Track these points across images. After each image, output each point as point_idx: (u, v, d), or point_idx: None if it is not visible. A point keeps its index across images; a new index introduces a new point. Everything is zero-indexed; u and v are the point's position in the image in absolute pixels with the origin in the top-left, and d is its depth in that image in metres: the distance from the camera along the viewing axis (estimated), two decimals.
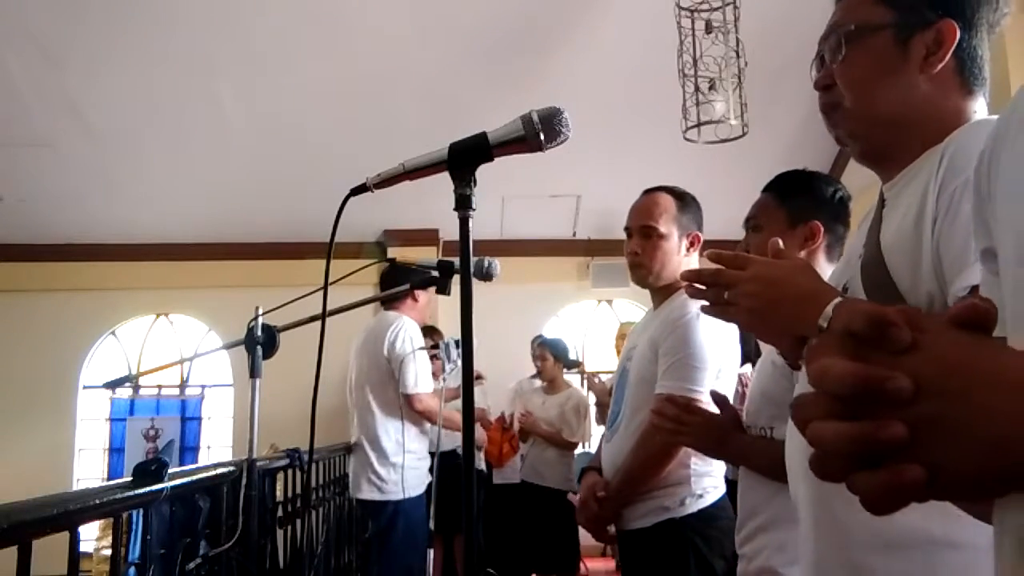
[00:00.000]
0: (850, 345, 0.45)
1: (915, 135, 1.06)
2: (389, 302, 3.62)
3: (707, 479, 2.02)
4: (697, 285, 1.16)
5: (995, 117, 0.98)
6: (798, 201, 1.79)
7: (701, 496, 2.00)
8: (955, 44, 1.04)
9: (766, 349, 1.83)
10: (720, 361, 2.03)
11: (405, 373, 3.44)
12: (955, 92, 1.07)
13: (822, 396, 0.45)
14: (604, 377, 5.47)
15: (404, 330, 3.49)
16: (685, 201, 2.17)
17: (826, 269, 1.69)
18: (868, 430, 0.43)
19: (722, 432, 1.78)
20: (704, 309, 1.16)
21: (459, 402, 3.48)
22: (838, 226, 1.79)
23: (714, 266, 1.15)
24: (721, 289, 1.10)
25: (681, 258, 2.13)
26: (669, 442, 1.91)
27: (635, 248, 2.13)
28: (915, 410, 0.43)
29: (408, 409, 3.47)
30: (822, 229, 1.75)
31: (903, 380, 0.43)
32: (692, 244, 2.15)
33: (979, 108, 1.08)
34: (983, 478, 0.43)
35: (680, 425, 1.79)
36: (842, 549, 1.07)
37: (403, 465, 3.41)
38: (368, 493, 3.46)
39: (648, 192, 2.20)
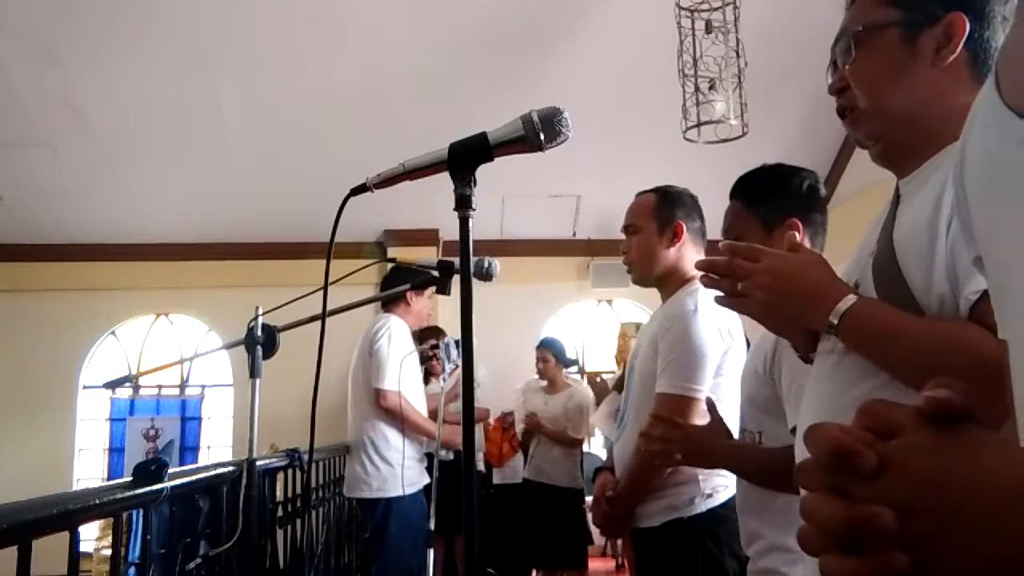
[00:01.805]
0: (825, 473, 0.44)
1: (929, 130, 1.06)
2: (386, 304, 3.63)
3: (717, 478, 2.00)
4: (712, 275, 1.16)
5: None
6: (766, 203, 1.73)
7: (710, 496, 2.00)
8: (965, 36, 1.04)
9: (748, 355, 1.83)
10: (719, 357, 2.02)
11: (376, 368, 3.45)
12: (968, 86, 1.06)
13: (822, 471, 0.45)
14: (605, 377, 5.49)
15: (388, 329, 3.50)
16: (666, 196, 2.19)
17: None
18: (872, 565, 0.42)
19: (703, 443, 1.76)
20: (718, 300, 1.16)
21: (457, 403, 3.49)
22: (814, 215, 1.73)
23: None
24: (735, 280, 1.11)
25: (664, 249, 2.14)
26: (661, 463, 1.92)
27: (623, 248, 2.20)
28: (905, 535, 0.42)
29: (375, 405, 3.46)
30: (800, 224, 1.69)
31: (886, 515, 0.42)
32: (676, 235, 2.14)
33: None
34: None
35: (666, 443, 1.78)
36: None
37: (393, 462, 3.41)
38: (361, 492, 3.47)
39: (637, 194, 2.25)
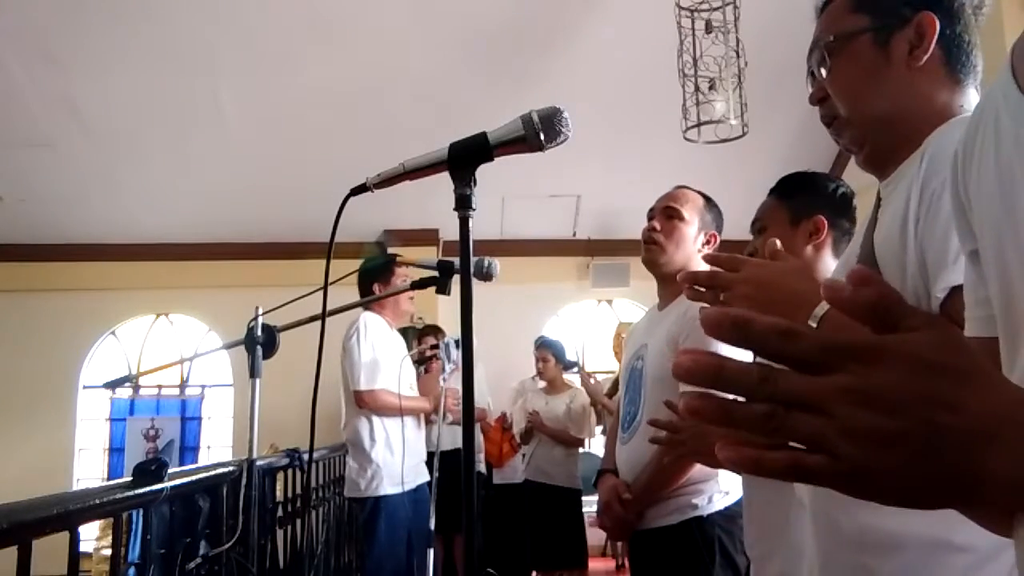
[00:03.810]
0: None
1: (911, 131, 1.07)
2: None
3: (733, 476, 2.00)
4: (696, 288, 1.17)
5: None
6: (799, 199, 1.79)
7: (727, 493, 2.01)
8: (937, 34, 1.05)
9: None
10: (745, 356, 2.01)
11: (350, 369, 3.41)
12: (944, 84, 1.07)
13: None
14: (599, 377, 5.48)
15: (356, 327, 3.45)
16: (711, 202, 2.22)
17: (833, 264, 1.68)
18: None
19: (708, 437, 1.76)
20: (702, 311, 1.16)
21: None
22: (843, 221, 1.78)
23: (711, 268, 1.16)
24: (717, 291, 1.11)
25: (695, 251, 2.14)
26: (677, 460, 1.91)
27: (654, 225, 2.14)
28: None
29: (355, 406, 3.43)
30: (826, 224, 1.74)
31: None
32: (708, 242, 2.16)
33: (966, 101, 1.08)
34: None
35: (675, 434, 1.77)
36: (841, 549, 1.07)
37: (378, 460, 3.40)
38: (351, 491, 3.47)
39: (678, 187, 2.24)
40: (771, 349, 0.43)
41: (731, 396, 0.43)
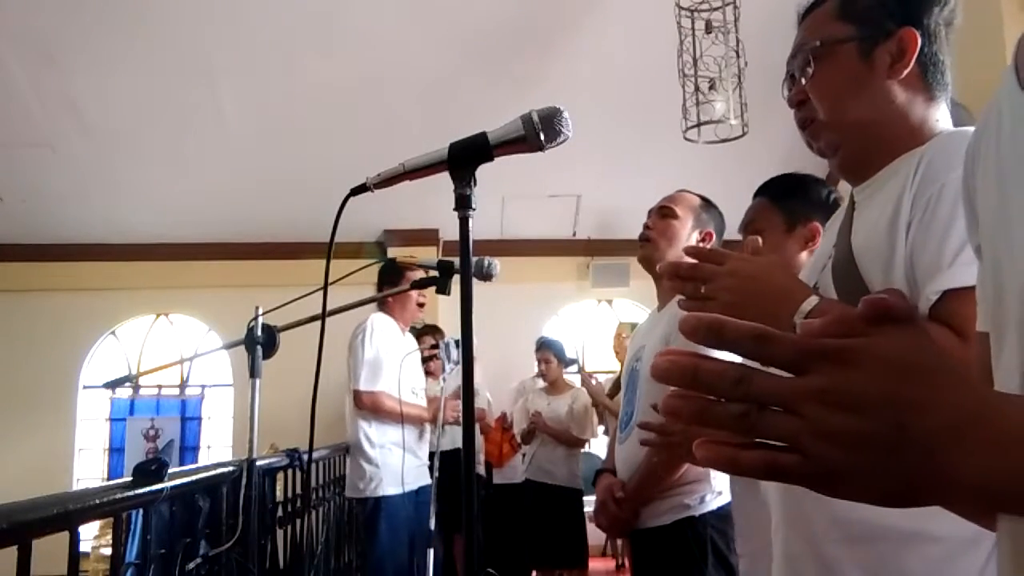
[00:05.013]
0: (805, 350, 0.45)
1: (887, 140, 1.10)
2: (379, 302, 3.64)
3: (725, 476, 2.01)
4: (678, 278, 1.17)
5: (970, 129, 1.03)
6: (794, 204, 1.82)
7: (720, 493, 2.02)
8: (917, 50, 1.08)
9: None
10: (736, 356, 2.01)
11: (352, 369, 3.45)
12: (920, 98, 1.11)
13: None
14: (601, 378, 5.47)
15: (363, 329, 3.48)
16: (708, 203, 2.25)
17: None
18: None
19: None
20: (682, 304, 1.17)
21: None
22: None
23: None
24: (699, 283, 1.11)
25: (687, 244, 2.15)
26: (666, 462, 1.91)
27: (648, 223, 2.19)
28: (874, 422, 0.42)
29: (355, 406, 3.46)
30: (821, 230, 1.76)
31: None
32: (703, 240, 2.18)
33: (941, 115, 1.12)
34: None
35: (666, 436, 1.76)
36: (810, 542, 1.09)
37: (378, 462, 3.40)
38: (351, 491, 3.49)
39: (679, 190, 2.28)
40: (746, 352, 0.43)
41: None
